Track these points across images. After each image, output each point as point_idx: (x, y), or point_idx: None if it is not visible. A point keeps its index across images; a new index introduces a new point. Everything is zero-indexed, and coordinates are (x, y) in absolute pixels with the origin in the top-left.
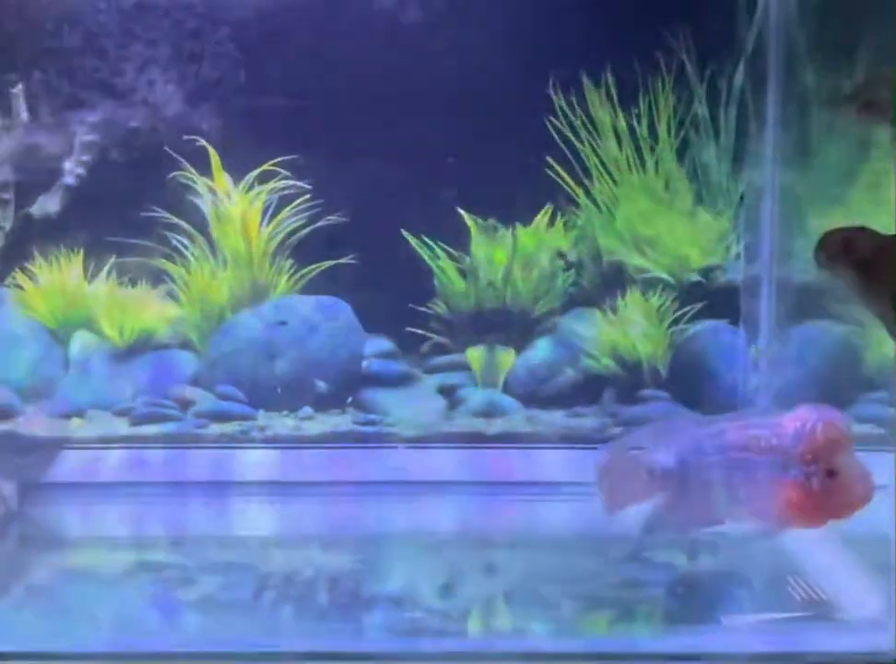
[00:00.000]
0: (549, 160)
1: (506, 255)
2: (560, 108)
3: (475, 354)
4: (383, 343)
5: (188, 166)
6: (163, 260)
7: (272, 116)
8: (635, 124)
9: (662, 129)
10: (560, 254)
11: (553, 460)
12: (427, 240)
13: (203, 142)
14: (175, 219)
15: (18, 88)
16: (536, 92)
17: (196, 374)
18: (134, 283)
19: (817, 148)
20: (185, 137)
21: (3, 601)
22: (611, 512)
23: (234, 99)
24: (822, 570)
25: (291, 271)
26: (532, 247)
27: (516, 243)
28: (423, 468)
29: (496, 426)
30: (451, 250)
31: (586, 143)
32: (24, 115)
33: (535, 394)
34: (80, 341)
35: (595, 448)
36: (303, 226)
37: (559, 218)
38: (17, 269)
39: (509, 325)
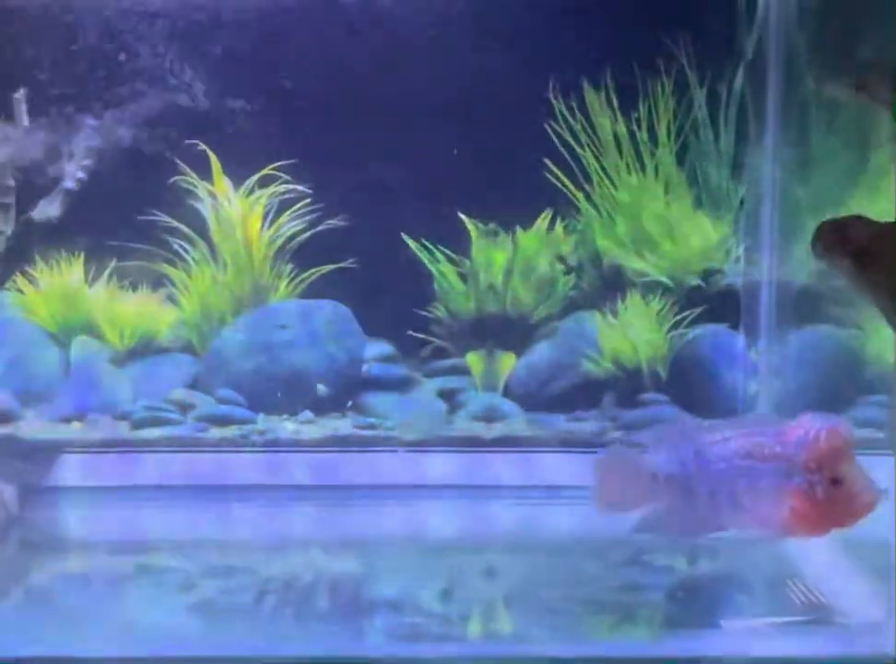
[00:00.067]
0: (550, 164)
1: (506, 259)
2: (561, 112)
3: (475, 358)
4: (384, 347)
5: (189, 170)
6: (164, 264)
7: (272, 120)
8: (635, 128)
9: (662, 133)
10: (561, 258)
11: (553, 464)
12: (427, 244)
13: (203, 146)
14: (176, 224)
15: (20, 93)
16: (536, 97)
17: (196, 378)
18: (134, 287)
19: (817, 153)
20: (186, 142)
21: (3, 605)
22: (606, 513)
23: (234, 103)
24: (822, 574)
25: (292, 275)
26: (532, 251)
27: (516, 247)
28: (423, 471)
29: (496, 430)
30: (451, 254)
31: (586, 147)
32: (25, 120)
33: (535, 398)
34: (81, 345)
35: (596, 452)
36: (303, 230)
37: (559, 222)
38: (19, 273)
39: (509, 328)
